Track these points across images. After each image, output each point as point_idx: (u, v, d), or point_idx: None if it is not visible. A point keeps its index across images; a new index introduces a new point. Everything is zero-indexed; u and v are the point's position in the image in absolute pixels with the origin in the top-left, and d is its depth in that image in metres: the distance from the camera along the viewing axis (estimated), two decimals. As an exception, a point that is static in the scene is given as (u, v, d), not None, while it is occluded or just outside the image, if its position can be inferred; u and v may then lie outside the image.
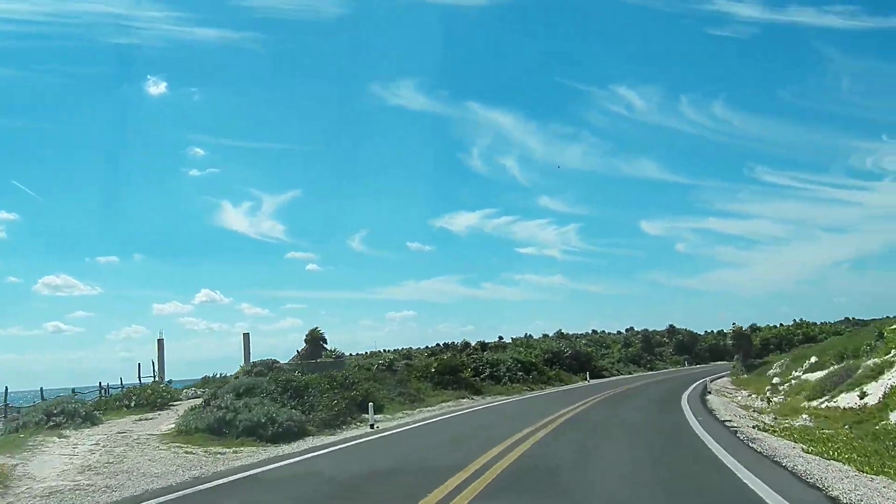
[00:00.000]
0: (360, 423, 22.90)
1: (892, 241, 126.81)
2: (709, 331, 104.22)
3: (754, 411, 26.50)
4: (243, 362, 39.54)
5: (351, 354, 57.23)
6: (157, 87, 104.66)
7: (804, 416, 23.69)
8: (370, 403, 22.75)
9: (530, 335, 67.91)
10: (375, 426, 21.98)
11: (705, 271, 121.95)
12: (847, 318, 65.44)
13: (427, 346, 74.63)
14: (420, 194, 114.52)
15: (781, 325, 54.67)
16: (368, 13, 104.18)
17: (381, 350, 78.67)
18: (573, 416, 23.00)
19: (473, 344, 76.49)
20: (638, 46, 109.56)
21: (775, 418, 24.15)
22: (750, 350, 50.97)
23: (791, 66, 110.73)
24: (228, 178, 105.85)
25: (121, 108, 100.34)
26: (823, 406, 25.10)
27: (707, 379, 48.04)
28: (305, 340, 43.39)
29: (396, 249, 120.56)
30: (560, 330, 72.40)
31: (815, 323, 56.79)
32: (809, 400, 27.42)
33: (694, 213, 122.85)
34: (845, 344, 34.30)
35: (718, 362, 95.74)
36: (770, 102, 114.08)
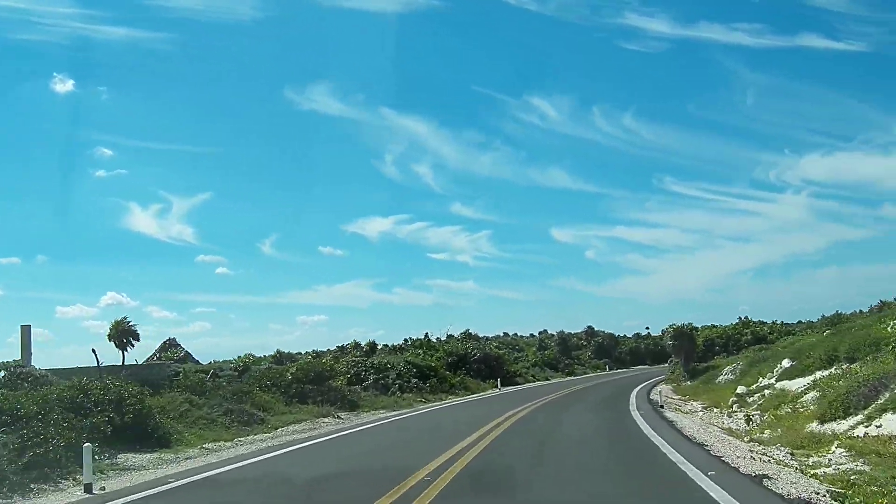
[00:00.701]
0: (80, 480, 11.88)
1: (793, 251, 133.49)
2: (620, 335, 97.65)
3: (751, 441, 17.15)
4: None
5: (215, 361, 44.99)
6: (63, 85, 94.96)
7: (837, 449, 14.55)
8: (87, 446, 11.75)
9: (430, 335, 57.50)
10: (99, 487, 11.29)
11: (614, 278, 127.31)
12: (800, 321, 58.29)
13: (335, 347, 64.83)
14: (333, 199, 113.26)
15: (730, 324, 47.05)
16: (284, 16, 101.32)
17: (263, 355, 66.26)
18: (474, 459, 12.85)
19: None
20: (552, 57, 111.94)
21: (791, 453, 15.00)
22: (693, 352, 42.96)
23: (699, 81, 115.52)
24: (137, 180, 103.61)
25: (25, 106, 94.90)
26: (860, 433, 16.02)
27: (645, 386, 39.49)
28: (109, 336, 31.38)
29: (308, 254, 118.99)
30: (468, 330, 62.78)
31: (765, 322, 49.21)
32: (823, 421, 18.36)
33: (603, 221, 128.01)
34: (834, 344, 25.83)
35: (640, 366, 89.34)
36: (678, 115, 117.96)
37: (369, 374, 35.40)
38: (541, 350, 75.53)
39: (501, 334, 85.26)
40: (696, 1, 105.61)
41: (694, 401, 31.93)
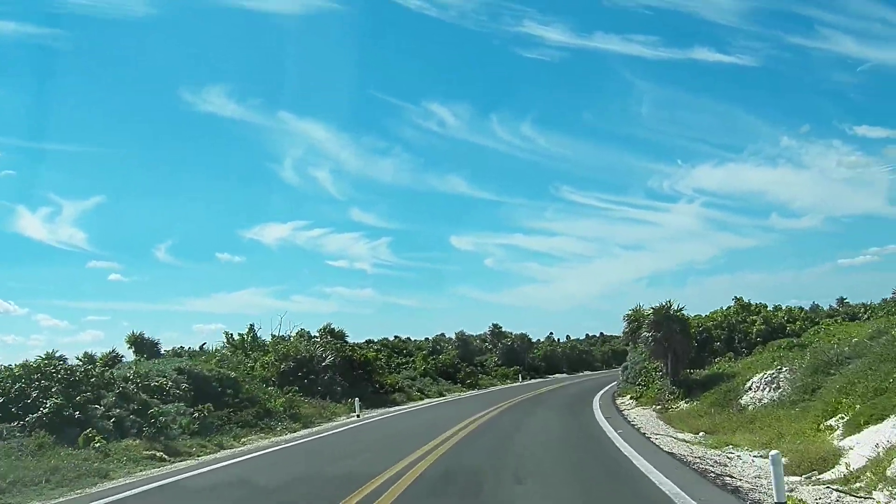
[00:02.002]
0: None
1: (685, 259, 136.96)
2: (534, 339, 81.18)
3: None
4: None
5: None
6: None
7: None
8: None
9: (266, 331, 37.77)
10: None
11: (513, 286, 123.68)
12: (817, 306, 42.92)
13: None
14: (230, 204, 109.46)
15: (721, 308, 31.02)
16: (179, 15, 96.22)
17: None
18: None
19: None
20: (450, 64, 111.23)
21: None
22: (687, 349, 25.54)
23: (596, 90, 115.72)
24: (25, 182, 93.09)
25: None
26: None
27: (600, 407, 22.08)
28: None
29: (205, 260, 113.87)
30: (328, 325, 43.11)
31: (766, 306, 32.79)
32: None
33: (502, 229, 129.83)
34: None
35: (557, 374, 73.00)
36: (576, 124, 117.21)
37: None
38: (434, 354, 57.23)
39: (392, 338, 66.32)
40: (592, 12, 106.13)
41: (736, 449, 14.50)
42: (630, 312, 29.16)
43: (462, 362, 60.43)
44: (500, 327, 71.88)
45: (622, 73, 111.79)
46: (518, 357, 69.91)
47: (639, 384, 28.66)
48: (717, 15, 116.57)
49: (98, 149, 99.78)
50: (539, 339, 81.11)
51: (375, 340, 65.04)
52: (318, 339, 36.10)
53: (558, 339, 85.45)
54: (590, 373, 77.65)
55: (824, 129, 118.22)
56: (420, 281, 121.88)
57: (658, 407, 23.63)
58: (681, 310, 26.34)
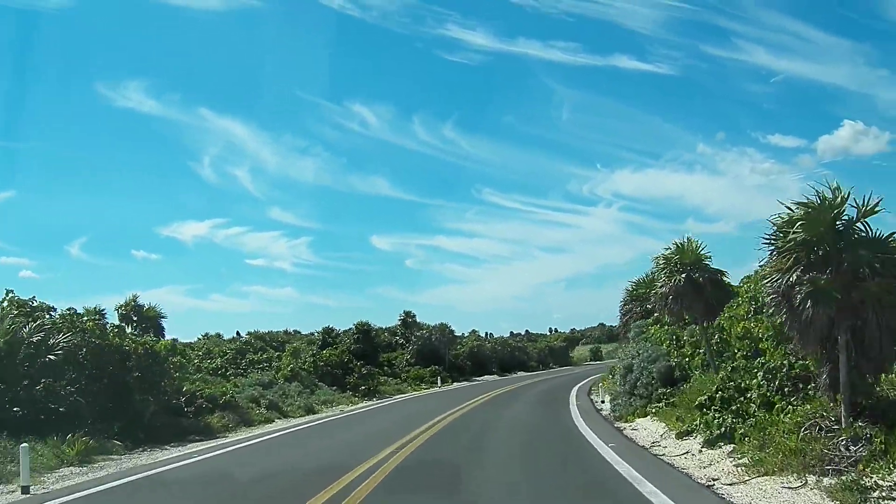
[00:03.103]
0: None
1: (602, 262, 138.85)
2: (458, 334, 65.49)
3: None
4: None
5: None
6: None
7: None
8: None
9: None
10: None
11: (434, 286, 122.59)
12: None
13: None
14: (147, 201, 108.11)
15: None
16: (95, 7, 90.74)
17: None
18: None
19: None
20: (373, 65, 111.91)
21: None
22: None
23: (517, 95, 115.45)
24: None
25: None
26: None
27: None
28: None
29: (121, 257, 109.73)
30: (134, 297, 26.16)
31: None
32: None
33: (423, 230, 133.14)
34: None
35: (486, 377, 57.45)
36: (497, 127, 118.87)
37: None
38: (319, 348, 40.38)
39: (265, 331, 49.19)
40: (514, 17, 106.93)
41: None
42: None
43: (358, 360, 43.94)
44: (414, 316, 55.61)
45: (543, 78, 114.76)
46: (436, 354, 53.82)
47: (709, 409, 12.57)
48: (637, 24, 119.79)
49: (8, 142, 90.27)
50: (463, 334, 65.36)
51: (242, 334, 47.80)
52: (44, 316, 18.35)
53: (487, 334, 70.39)
54: (525, 374, 62.54)
55: (739, 137, 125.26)
56: (340, 281, 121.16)
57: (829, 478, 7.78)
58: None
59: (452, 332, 55.14)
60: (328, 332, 48.67)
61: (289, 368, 30.89)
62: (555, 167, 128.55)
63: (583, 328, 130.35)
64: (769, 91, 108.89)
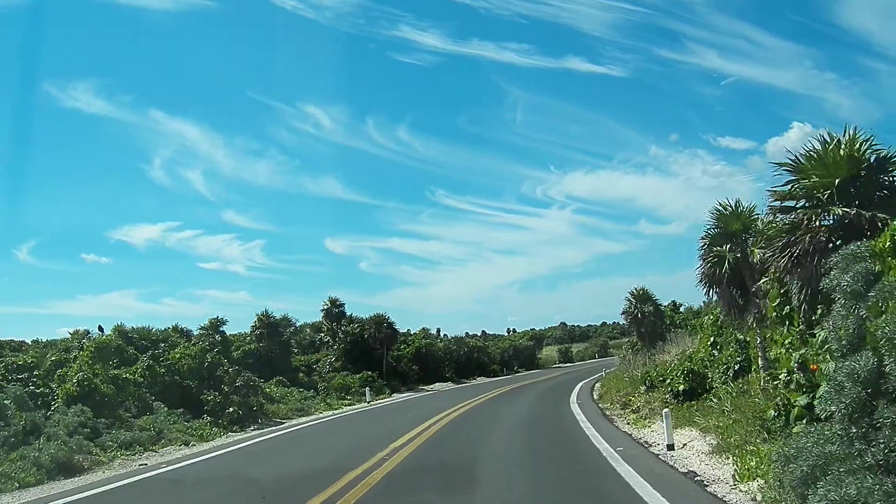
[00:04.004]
0: None
1: (558, 264, 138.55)
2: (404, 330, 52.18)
3: None
4: None
5: None
6: None
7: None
8: None
9: None
10: None
11: (389, 289, 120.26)
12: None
13: None
14: (97, 204, 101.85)
15: None
16: (44, 6, 78.57)
17: None
18: None
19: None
20: (326, 66, 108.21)
21: None
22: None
23: (471, 96, 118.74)
24: None
25: None
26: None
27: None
28: None
29: (70, 261, 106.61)
30: None
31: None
32: None
33: (377, 233, 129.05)
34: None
35: (438, 385, 44.37)
36: (451, 129, 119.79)
37: None
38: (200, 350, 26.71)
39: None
40: (467, 18, 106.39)
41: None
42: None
43: (259, 365, 30.67)
44: (341, 306, 41.91)
45: (497, 79, 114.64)
46: (371, 356, 40.42)
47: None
48: (590, 26, 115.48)
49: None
50: (409, 331, 51.97)
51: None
52: None
53: (439, 332, 57.16)
54: (487, 381, 49.64)
55: (691, 139, 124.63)
56: (295, 284, 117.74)
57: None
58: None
59: (392, 325, 41.72)
60: (215, 325, 34.73)
61: (75, 382, 17.08)
62: (508, 169, 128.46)
63: (543, 328, 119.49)
64: (720, 94, 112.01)
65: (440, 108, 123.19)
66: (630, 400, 18.55)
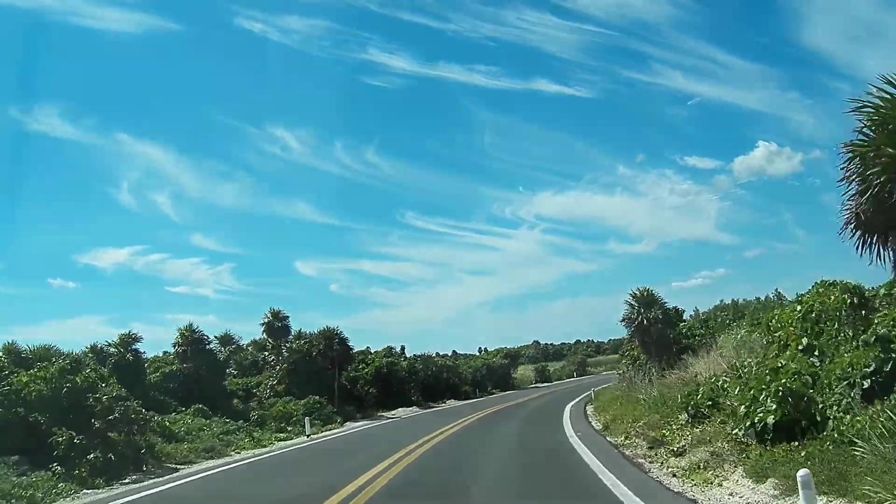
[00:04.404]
0: None
1: (528, 284, 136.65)
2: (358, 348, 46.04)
3: None
4: None
5: None
6: None
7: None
8: None
9: None
10: None
11: (360, 311, 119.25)
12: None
13: None
14: (63, 228, 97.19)
15: None
16: (6, 28, 76.26)
17: None
18: None
19: None
20: (295, 89, 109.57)
21: None
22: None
23: (439, 118, 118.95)
24: None
25: None
26: None
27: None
28: None
29: (36, 286, 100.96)
30: None
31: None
32: None
33: (347, 254, 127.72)
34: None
35: (402, 410, 38.28)
36: (420, 151, 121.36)
37: None
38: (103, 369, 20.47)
39: None
40: (436, 41, 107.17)
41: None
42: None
43: (113, 398, 24.52)
44: (285, 318, 35.40)
45: (465, 101, 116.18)
46: (322, 378, 34.11)
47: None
48: (557, 48, 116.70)
49: None
50: (369, 349, 45.70)
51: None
52: None
53: (403, 350, 50.83)
54: (458, 404, 43.59)
55: (658, 158, 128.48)
56: (265, 307, 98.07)
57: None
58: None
59: (345, 342, 35.38)
60: (126, 342, 28.19)
61: None
62: (477, 190, 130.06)
63: (516, 346, 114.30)
64: (686, 114, 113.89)
65: (409, 129, 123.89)
66: (664, 435, 12.76)
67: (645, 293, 24.94)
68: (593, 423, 20.86)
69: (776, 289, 33.92)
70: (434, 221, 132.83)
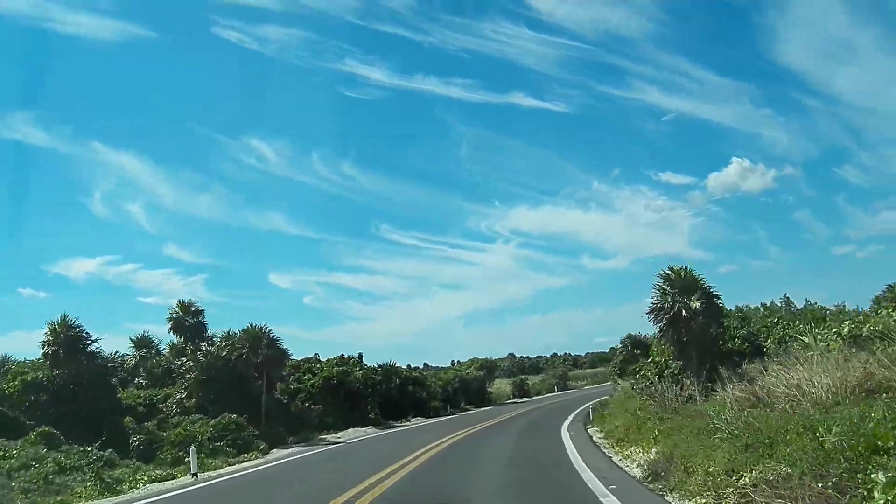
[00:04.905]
0: None
1: (503, 298, 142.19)
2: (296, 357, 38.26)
3: None
4: None
5: None
6: None
7: None
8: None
9: None
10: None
11: (334, 324, 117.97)
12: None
13: None
14: (34, 237, 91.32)
15: None
16: None
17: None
18: None
19: None
20: (271, 99, 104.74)
21: None
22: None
23: (416, 131, 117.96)
24: None
25: None
26: None
27: None
28: None
29: (6, 295, 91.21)
30: None
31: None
32: None
33: (322, 267, 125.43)
34: None
35: (350, 433, 30.65)
36: (396, 164, 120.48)
37: None
38: None
39: None
40: (413, 53, 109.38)
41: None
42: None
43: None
44: (199, 313, 27.56)
45: (442, 114, 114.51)
46: (245, 388, 26.35)
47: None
48: (534, 62, 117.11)
49: None
50: (318, 356, 37.84)
51: None
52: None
53: (361, 358, 42.92)
54: (423, 421, 36.01)
55: (633, 174, 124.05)
56: (238, 319, 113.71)
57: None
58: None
59: (276, 343, 27.24)
60: None
61: None
62: (453, 204, 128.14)
63: (493, 358, 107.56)
64: (661, 129, 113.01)
65: (386, 142, 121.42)
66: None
67: (682, 273, 17.80)
68: (626, 468, 13.51)
69: (785, 294, 27.45)
70: (410, 235, 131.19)
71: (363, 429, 32.57)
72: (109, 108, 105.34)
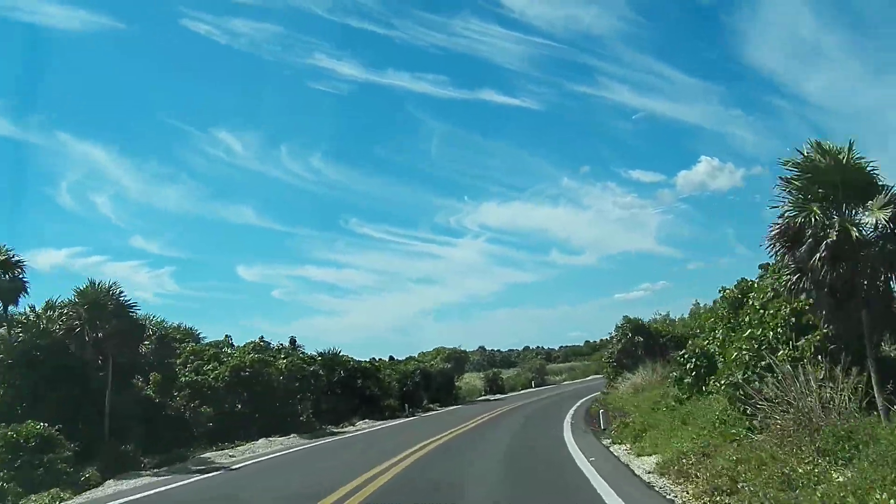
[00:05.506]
0: None
1: (471, 293, 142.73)
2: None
3: None
4: None
5: None
6: None
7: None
8: None
9: None
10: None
11: (303, 317, 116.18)
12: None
13: None
14: (0, 228, 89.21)
15: None
16: None
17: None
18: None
19: None
20: (240, 92, 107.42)
21: None
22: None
23: (386, 125, 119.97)
24: None
25: None
26: None
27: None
28: None
29: None
30: None
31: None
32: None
33: (291, 260, 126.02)
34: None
35: (278, 441, 21.87)
36: (366, 158, 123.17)
37: None
38: None
39: None
40: (384, 48, 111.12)
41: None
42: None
43: None
44: (18, 265, 18.28)
45: (412, 109, 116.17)
46: (85, 380, 17.24)
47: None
48: (505, 59, 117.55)
49: None
50: (229, 338, 28.65)
51: None
52: None
53: (293, 344, 33.52)
54: (372, 425, 27.08)
55: (602, 171, 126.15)
56: (206, 312, 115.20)
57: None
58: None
59: (127, 308, 17.12)
60: None
61: None
62: (423, 198, 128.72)
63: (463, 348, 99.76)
64: (631, 127, 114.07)
65: (355, 136, 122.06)
66: None
67: (846, 156, 9.23)
68: None
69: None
70: (380, 229, 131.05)
71: (283, 438, 23.44)
72: (77, 99, 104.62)
